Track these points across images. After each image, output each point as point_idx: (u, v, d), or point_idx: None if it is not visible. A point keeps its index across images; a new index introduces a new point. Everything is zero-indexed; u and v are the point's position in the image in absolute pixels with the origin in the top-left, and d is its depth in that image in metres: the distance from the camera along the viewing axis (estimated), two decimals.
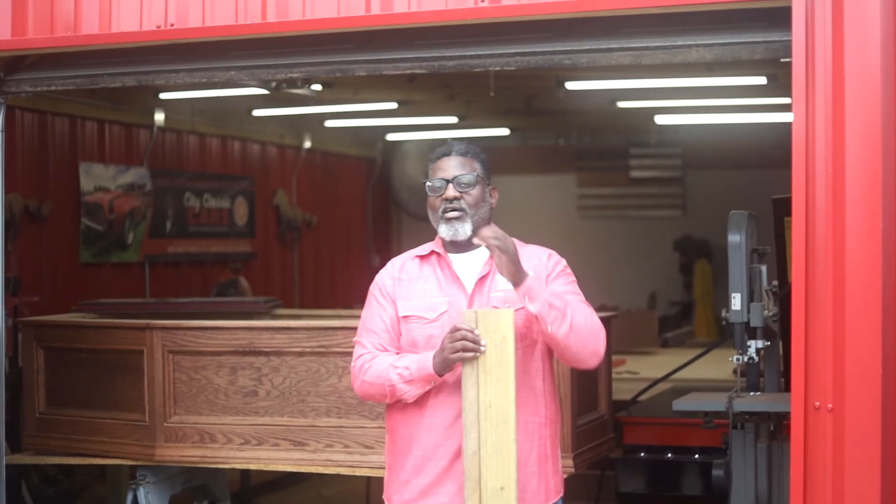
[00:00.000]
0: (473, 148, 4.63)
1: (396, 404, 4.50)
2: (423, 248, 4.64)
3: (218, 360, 7.05)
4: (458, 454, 4.38)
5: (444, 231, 4.51)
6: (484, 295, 4.47)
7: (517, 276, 4.29)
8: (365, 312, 4.63)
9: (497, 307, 4.41)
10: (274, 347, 6.95)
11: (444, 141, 4.71)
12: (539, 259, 4.57)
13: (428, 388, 4.39)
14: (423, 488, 4.44)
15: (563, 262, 4.61)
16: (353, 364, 4.57)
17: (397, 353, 4.51)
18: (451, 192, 4.50)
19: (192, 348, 7.09)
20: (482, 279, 4.50)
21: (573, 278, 4.59)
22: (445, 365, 4.32)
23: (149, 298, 12.73)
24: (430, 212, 4.57)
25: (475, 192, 4.53)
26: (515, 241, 4.53)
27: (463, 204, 4.49)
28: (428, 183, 4.56)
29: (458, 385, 4.37)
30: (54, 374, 7.65)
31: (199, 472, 7.58)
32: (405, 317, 4.50)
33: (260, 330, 7.06)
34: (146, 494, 7.24)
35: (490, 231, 4.33)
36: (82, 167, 12.61)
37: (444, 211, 4.50)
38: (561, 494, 4.60)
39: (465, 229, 4.49)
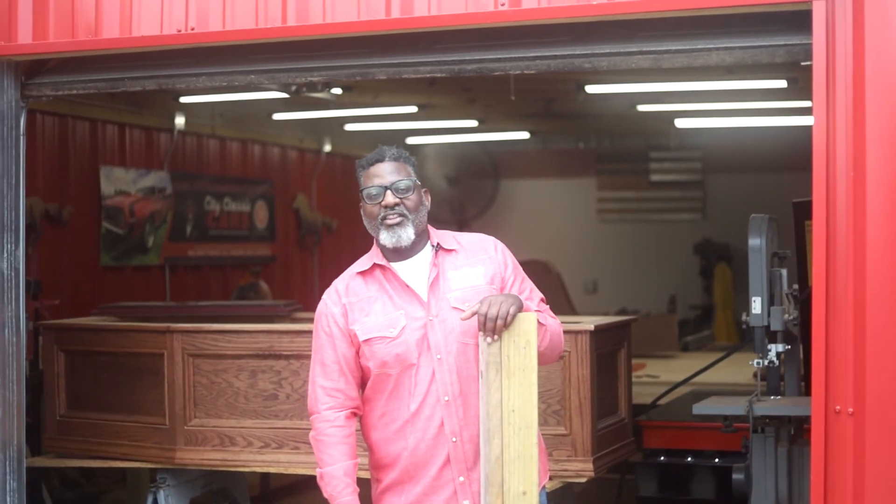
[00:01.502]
0: (404, 153, 4.57)
1: (379, 422, 4.49)
2: (363, 263, 4.57)
3: (238, 363, 7.06)
4: (447, 462, 4.38)
5: (385, 238, 4.45)
6: (441, 298, 4.42)
7: (518, 305, 4.24)
8: (315, 342, 4.57)
9: (457, 308, 4.37)
10: (294, 351, 6.95)
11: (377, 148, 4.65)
12: (486, 251, 4.54)
13: None
14: (416, 498, 4.43)
15: (507, 250, 4.59)
16: (317, 412, 4.52)
17: (357, 392, 4.51)
18: (390, 198, 4.44)
19: (213, 352, 7.10)
20: (434, 282, 4.45)
21: (521, 269, 4.59)
22: None
23: (169, 302, 12.74)
24: (366, 220, 4.52)
25: (413, 196, 4.47)
26: (451, 232, 4.61)
27: (403, 209, 4.44)
28: (364, 190, 4.50)
29: (437, 398, 4.37)
30: (75, 378, 7.67)
31: (218, 475, 7.59)
32: (367, 340, 4.43)
33: (280, 333, 7.06)
34: (166, 497, 7.25)
35: (468, 313, 4.27)
36: (103, 171, 12.64)
37: (384, 218, 4.44)
38: (547, 478, 4.61)
39: (408, 234, 4.44)
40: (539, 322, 4.30)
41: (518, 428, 4.22)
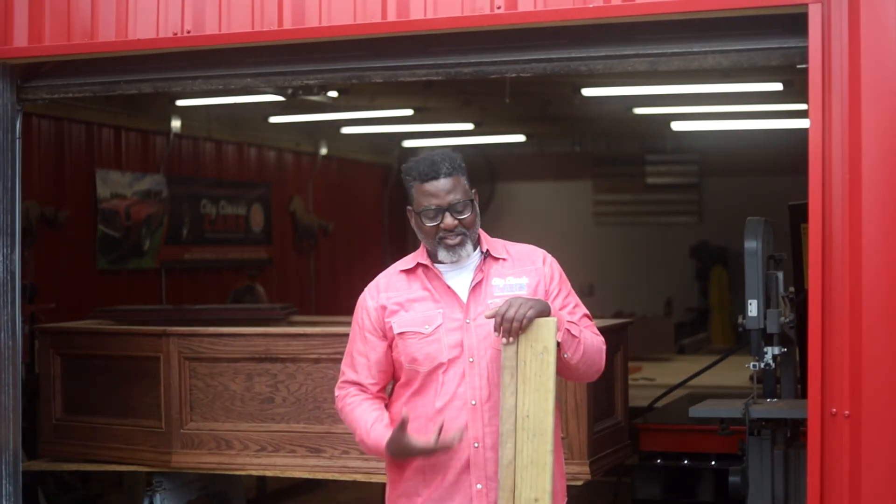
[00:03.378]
0: (455, 161, 4.43)
1: (401, 417, 4.47)
2: (408, 262, 4.52)
3: (234, 366, 7.06)
4: (467, 468, 4.33)
5: (445, 256, 4.40)
6: (481, 303, 4.37)
7: (544, 311, 4.21)
8: (351, 332, 4.55)
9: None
10: (290, 354, 6.95)
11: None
12: (534, 263, 4.49)
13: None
14: (432, 503, 4.39)
15: (557, 263, 4.53)
16: (336, 393, 4.53)
17: (382, 387, 4.50)
18: (448, 220, 4.36)
19: (209, 355, 7.10)
20: (476, 287, 4.41)
21: (569, 284, 4.53)
22: (406, 457, 4.35)
23: (165, 305, 12.74)
24: (421, 235, 4.44)
25: (471, 214, 4.40)
26: (502, 241, 4.55)
27: (462, 229, 4.38)
28: (421, 211, 4.39)
29: (465, 400, 4.33)
30: (71, 381, 7.66)
31: (215, 478, 7.59)
32: (401, 333, 4.40)
33: (276, 336, 7.06)
34: (162, 501, 7.25)
35: (490, 311, 4.22)
36: (99, 174, 12.63)
37: (443, 238, 4.38)
38: (565, 500, 4.53)
39: (467, 251, 4.39)
40: (572, 334, 4.27)
41: (532, 434, 4.17)
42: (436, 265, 4.47)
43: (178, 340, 7.16)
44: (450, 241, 4.38)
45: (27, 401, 8.03)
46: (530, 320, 4.15)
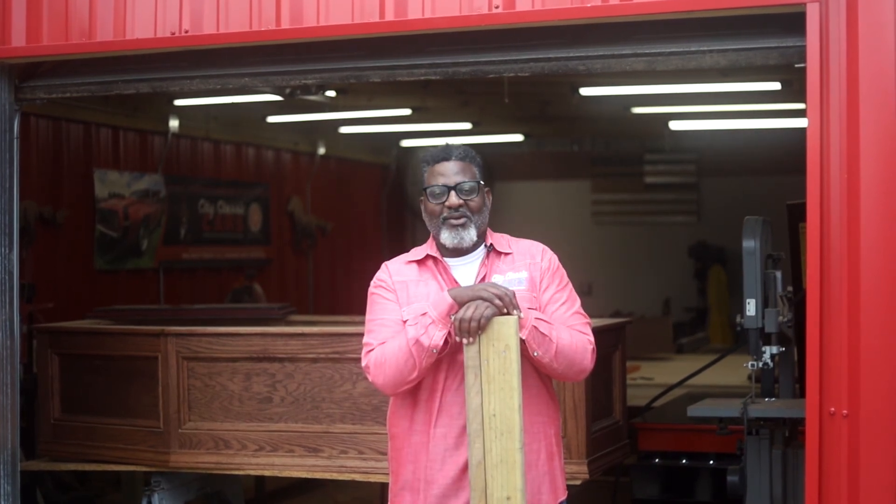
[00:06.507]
0: (471, 152, 4.53)
1: (405, 411, 4.45)
2: (417, 253, 4.55)
3: (232, 366, 7.05)
4: (468, 465, 4.32)
5: (447, 238, 4.43)
6: None
7: (495, 310, 4.19)
8: (372, 313, 4.49)
9: None
10: (288, 354, 6.94)
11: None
12: (532, 257, 4.52)
13: (446, 330, 4.27)
14: (434, 501, 4.38)
15: (556, 259, 4.55)
16: (365, 362, 4.41)
17: None
18: (454, 199, 4.41)
19: (207, 355, 7.09)
20: (481, 282, 4.42)
21: (566, 280, 4.54)
22: (471, 298, 4.23)
23: (163, 305, 12.73)
24: (427, 217, 4.49)
25: (477, 198, 4.45)
26: (507, 237, 4.58)
27: (466, 210, 4.42)
28: (427, 188, 4.47)
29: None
30: (69, 381, 7.66)
31: (213, 478, 7.58)
32: (406, 322, 4.39)
33: (274, 336, 7.05)
34: (161, 501, 7.24)
35: (453, 317, 4.23)
36: (97, 174, 12.63)
37: (447, 218, 4.42)
38: (566, 494, 4.54)
39: (470, 236, 4.42)
40: (541, 332, 4.27)
41: (499, 433, 4.19)
42: (444, 259, 4.49)
43: (177, 340, 7.15)
44: (453, 221, 4.43)
45: (25, 401, 8.04)
46: (487, 319, 4.17)
